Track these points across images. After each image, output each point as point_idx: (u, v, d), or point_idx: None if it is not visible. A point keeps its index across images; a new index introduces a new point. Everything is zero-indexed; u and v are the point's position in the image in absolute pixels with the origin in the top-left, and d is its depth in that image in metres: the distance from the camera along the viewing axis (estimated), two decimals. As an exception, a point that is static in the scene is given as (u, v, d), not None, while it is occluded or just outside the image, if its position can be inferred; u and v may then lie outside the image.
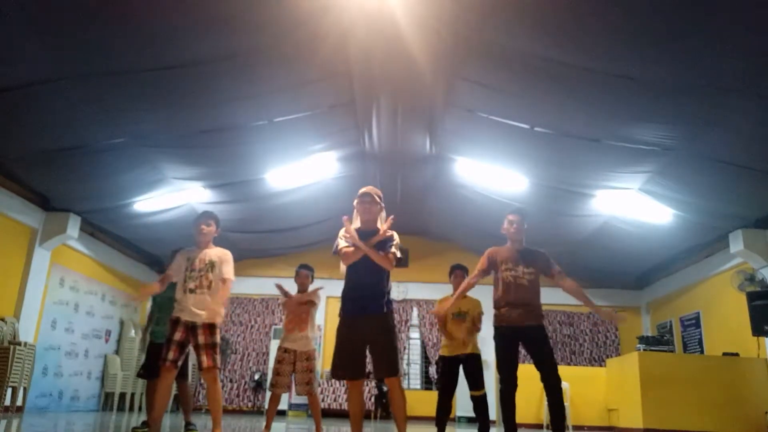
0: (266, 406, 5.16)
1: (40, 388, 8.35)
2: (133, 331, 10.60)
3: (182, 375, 5.10)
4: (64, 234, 8.22)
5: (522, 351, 4.29)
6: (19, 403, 7.45)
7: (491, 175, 8.42)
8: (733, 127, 5.53)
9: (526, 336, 4.21)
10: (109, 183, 7.71)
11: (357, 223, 3.68)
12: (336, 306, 8.94)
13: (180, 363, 3.95)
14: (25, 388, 7.64)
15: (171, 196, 8.47)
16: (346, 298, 3.54)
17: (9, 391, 7.18)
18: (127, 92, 5.79)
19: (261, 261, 12.18)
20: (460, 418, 10.95)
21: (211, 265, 4.05)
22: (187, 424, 5.15)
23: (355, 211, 3.73)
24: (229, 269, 4.08)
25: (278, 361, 4.98)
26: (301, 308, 5.05)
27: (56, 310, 8.75)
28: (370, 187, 3.72)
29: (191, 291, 3.95)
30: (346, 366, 3.41)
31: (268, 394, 5.12)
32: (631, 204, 7.90)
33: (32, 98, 5.60)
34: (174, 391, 10.42)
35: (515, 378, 4.14)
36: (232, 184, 8.60)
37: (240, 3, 4.82)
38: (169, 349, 3.87)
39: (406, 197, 9.83)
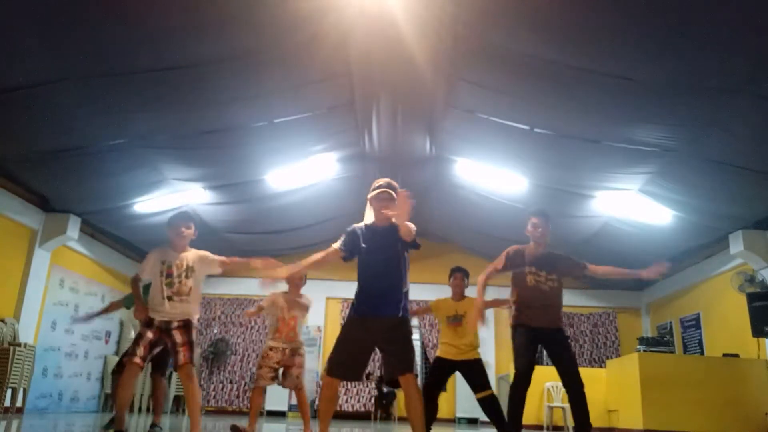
0: (250, 405, 5.01)
1: (39, 389, 8.35)
2: (132, 333, 10.59)
3: (161, 369, 4.95)
4: (63, 235, 8.22)
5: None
6: (18, 404, 7.44)
7: (491, 176, 8.42)
8: (733, 128, 5.52)
9: (546, 339, 4.14)
10: (109, 184, 7.71)
11: (370, 218, 3.43)
12: (335, 307, 8.88)
13: (147, 361, 3.81)
14: (24, 389, 7.63)
15: (171, 198, 8.47)
16: (358, 297, 3.27)
17: (9, 392, 7.17)
18: (127, 93, 5.79)
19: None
20: (460, 419, 10.95)
21: (190, 271, 3.88)
22: (153, 425, 4.98)
23: (368, 204, 3.46)
24: (215, 259, 3.98)
25: (263, 357, 4.88)
26: (290, 314, 4.95)
27: (56, 311, 8.75)
28: (388, 180, 3.40)
29: (169, 299, 3.79)
30: (347, 366, 3.16)
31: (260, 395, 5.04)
32: (631, 205, 7.90)
33: (32, 99, 5.60)
34: (176, 391, 10.47)
35: (530, 377, 4.08)
36: (232, 185, 8.60)
37: (240, 4, 4.82)
38: (139, 345, 3.72)
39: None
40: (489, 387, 4.70)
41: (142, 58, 5.31)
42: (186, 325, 3.82)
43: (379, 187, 3.35)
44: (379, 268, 3.24)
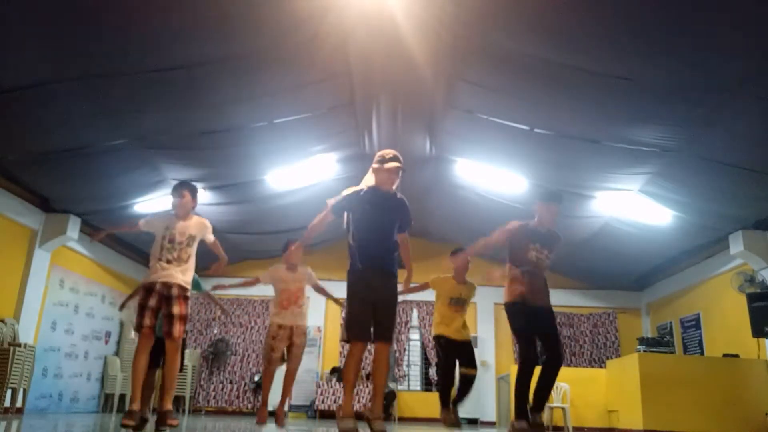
0: (263, 386, 5.05)
1: (39, 390, 8.35)
2: (132, 333, 10.59)
3: (156, 363, 4.88)
4: (64, 235, 8.23)
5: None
6: (18, 404, 7.44)
7: (491, 177, 8.43)
8: (732, 128, 5.53)
9: (539, 314, 4.21)
10: (109, 184, 7.71)
11: (371, 182, 3.59)
12: (335, 306, 8.83)
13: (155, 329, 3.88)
14: (24, 390, 7.63)
15: (171, 198, 8.45)
16: (359, 251, 3.43)
17: (9, 392, 7.17)
18: (127, 94, 5.79)
19: (261, 262, 12.14)
20: (460, 419, 10.91)
21: (192, 240, 4.03)
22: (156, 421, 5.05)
23: (371, 171, 3.62)
24: (210, 235, 4.13)
25: (273, 337, 4.87)
26: (294, 284, 5.02)
27: (56, 311, 8.75)
28: (395, 152, 3.62)
29: (168, 262, 3.90)
30: (363, 325, 3.32)
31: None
32: (631, 205, 7.90)
33: (32, 100, 5.61)
34: (179, 392, 10.47)
35: (535, 352, 4.10)
36: (232, 186, 8.60)
37: (240, 4, 4.82)
38: (144, 315, 3.79)
39: (406, 198, 9.82)
40: (475, 366, 5.28)
41: (142, 59, 5.31)
42: (186, 297, 3.92)
43: (393, 159, 3.57)
44: (377, 224, 3.46)
